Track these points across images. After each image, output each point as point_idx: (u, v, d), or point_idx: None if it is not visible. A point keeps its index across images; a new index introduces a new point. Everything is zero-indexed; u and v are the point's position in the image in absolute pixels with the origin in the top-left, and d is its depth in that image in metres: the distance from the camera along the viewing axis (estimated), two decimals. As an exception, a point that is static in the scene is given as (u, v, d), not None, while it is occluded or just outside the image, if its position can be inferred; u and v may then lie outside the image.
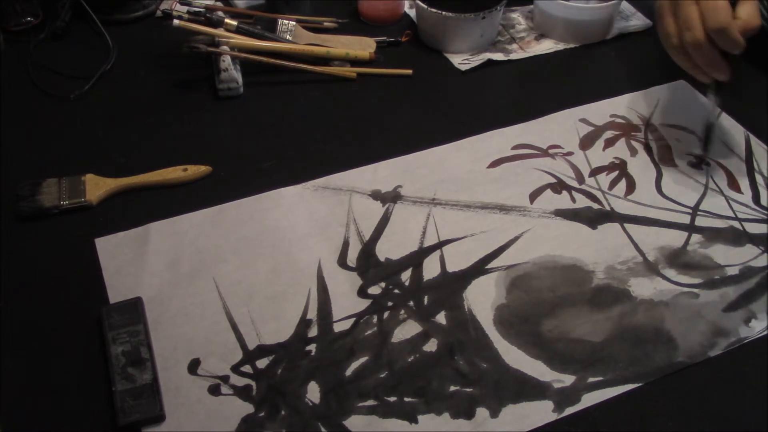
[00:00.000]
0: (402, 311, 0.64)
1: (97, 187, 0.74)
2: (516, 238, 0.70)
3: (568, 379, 0.59)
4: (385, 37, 0.95)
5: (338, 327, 0.63)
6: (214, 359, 0.60)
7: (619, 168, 0.78)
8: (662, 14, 0.71)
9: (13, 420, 0.57)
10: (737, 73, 0.71)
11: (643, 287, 0.66)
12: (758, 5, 0.67)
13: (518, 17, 1.00)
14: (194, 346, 0.61)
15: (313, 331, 0.63)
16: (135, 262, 0.68)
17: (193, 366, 0.60)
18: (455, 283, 0.66)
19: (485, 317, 0.63)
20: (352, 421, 0.56)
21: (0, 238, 0.70)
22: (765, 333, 0.62)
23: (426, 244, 0.70)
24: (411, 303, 0.65)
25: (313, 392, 0.58)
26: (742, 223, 0.72)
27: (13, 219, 0.72)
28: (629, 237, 0.70)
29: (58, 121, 0.84)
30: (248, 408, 0.57)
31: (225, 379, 0.59)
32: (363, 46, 0.93)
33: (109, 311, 0.62)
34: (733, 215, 0.72)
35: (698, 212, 0.73)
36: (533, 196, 0.74)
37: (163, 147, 0.80)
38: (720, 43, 0.67)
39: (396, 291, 0.66)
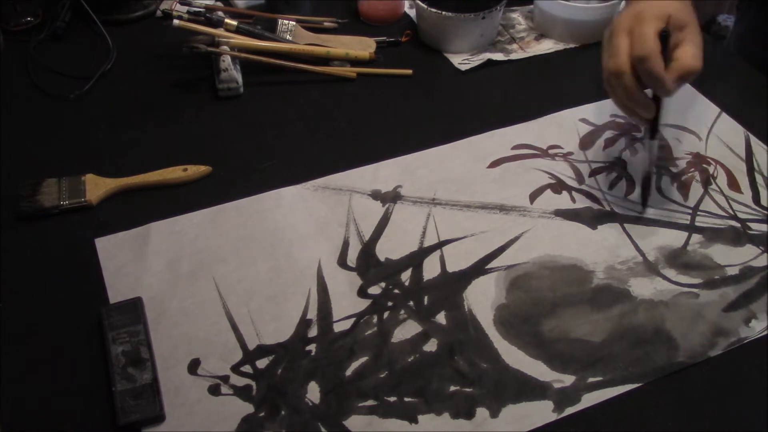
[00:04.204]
0: (402, 311, 0.64)
1: (97, 187, 0.74)
2: (516, 238, 0.70)
3: (568, 379, 0.59)
4: (385, 37, 0.95)
5: (338, 327, 0.63)
6: (214, 359, 0.60)
7: (619, 168, 0.78)
8: (602, 47, 0.67)
9: (13, 420, 0.57)
10: (657, 115, 0.67)
11: (643, 287, 0.66)
12: (700, 49, 0.63)
13: (518, 17, 1.00)
14: (194, 346, 0.61)
15: (313, 331, 0.63)
16: (135, 262, 0.68)
17: (193, 366, 0.60)
18: (455, 283, 0.66)
19: (485, 317, 0.63)
20: (352, 421, 0.56)
21: (0, 238, 0.70)
22: (765, 333, 0.62)
23: (426, 244, 0.70)
24: (411, 303, 0.65)
25: (313, 392, 0.58)
26: (742, 223, 0.72)
27: (13, 219, 0.72)
28: (629, 237, 0.70)
29: (58, 121, 0.84)
30: (248, 408, 0.57)
31: (225, 379, 0.59)
32: (363, 46, 0.93)
33: (109, 311, 0.62)
34: (733, 215, 0.72)
35: (698, 212, 0.73)
36: (533, 196, 0.74)
37: (163, 147, 0.80)
38: (643, 76, 0.63)
39: (396, 291, 0.66)
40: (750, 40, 1.02)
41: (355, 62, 0.91)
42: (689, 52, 0.63)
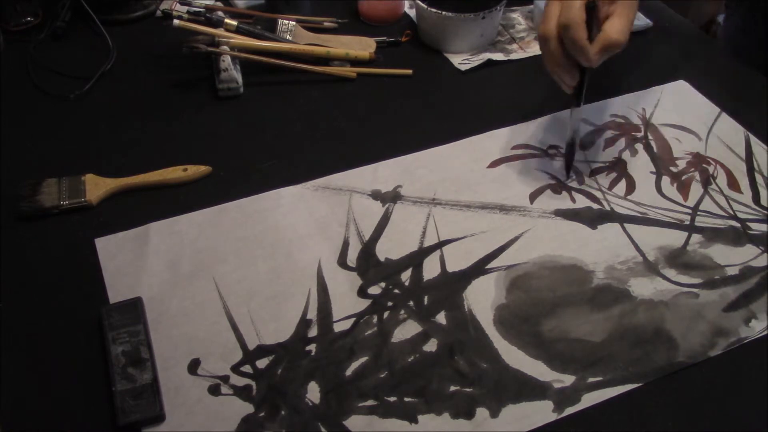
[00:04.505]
0: (402, 311, 0.64)
1: (97, 187, 0.74)
2: (516, 238, 0.70)
3: (568, 379, 0.59)
4: (385, 37, 0.95)
5: (338, 327, 0.63)
6: (214, 359, 0.60)
7: (619, 168, 0.78)
8: None
9: (13, 420, 0.57)
10: (582, 84, 0.70)
11: (643, 287, 0.66)
12: (628, 23, 0.65)
13: (518, 17, 1.00)
14: (194, 346, 0.61)
15: (313, 331, 0.63)
16: (135, 262, 0.68)
17: (193, 366, 0.60)
18: (455, 283, 0.66)
19: (485, 317, 0.63)
20: (352, 421, 0.56)
21: (0, 238, 0.70)
22: (765, 333, 0.62)
23: (426, 244, 0.70)
24: (411, 303, 0.65)
25: (313, 392, 0.58)
26: (742, 223, 0.72)
27: (13, 219, 0.72)
28: (629, 237, 0.70)
29: (58, 121, 0.84)
30: (248, 408, 0.57)
31: (225, 379, 0.59)
32: (363, 46, 0.93)
33: (109, 311, 0.62)
34: (733, 215, 0.72)
35: (698, 212, 0.73)
36: (533, 196, 0.74)
37: (163, 147, 0.80)
38: (566, 44, 0.65)
39: (396, 291, 0.66)
40: (743, 39, 1.02)
41: (355, 62, 0.91)
42: (616, 26, 0.64)
